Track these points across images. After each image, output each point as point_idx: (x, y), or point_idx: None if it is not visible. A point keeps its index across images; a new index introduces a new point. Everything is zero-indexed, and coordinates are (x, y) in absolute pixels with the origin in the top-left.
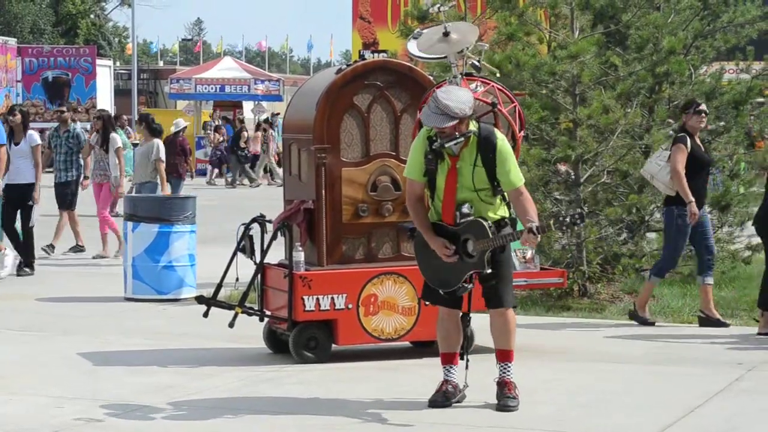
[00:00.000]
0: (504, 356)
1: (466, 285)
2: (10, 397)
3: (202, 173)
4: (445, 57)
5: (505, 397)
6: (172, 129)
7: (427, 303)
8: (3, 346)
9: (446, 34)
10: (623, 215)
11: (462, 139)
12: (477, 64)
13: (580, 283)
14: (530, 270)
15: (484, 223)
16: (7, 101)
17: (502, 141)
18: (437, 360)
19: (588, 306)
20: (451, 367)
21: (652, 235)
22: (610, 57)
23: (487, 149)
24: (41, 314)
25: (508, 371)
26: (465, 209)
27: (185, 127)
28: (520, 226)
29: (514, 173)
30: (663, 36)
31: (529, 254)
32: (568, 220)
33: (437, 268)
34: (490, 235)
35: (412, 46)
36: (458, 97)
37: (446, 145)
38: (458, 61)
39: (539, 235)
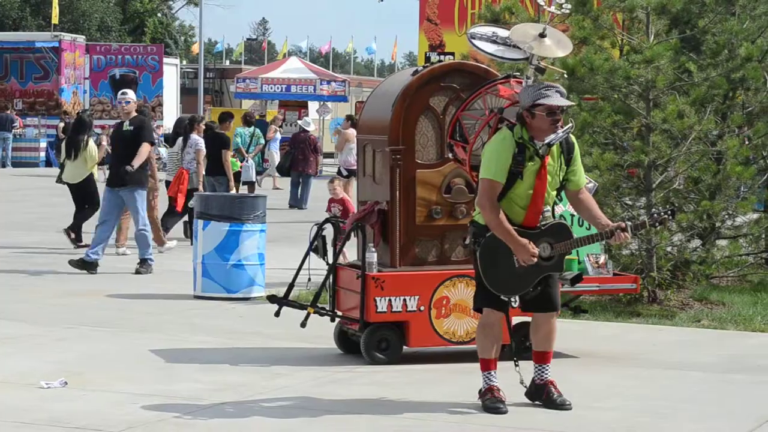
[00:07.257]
0: (548, 358)
1: (532, 289)
2: (84, 393)
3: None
4: (526, 59)
5: (560, 396)
6: (302, 126)
7: (480, 312)
8: (76, 342)
9: (543, 35)
10: (695, 222)
11: (572, 127)
12: (541, 66)
13: (650, 289)
14: (603, 275)
15: (567, 224)
16: (75, 98)
17: (574, 139)
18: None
19: (658, 312)
20: (494, 372)
21: (723, 242)
22: (684, 62)
23: (568, 148)
24: (112, 311)
25: (549, 371)
26: (546, 212)
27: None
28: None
29: (582, 172)
30: (739, 42)
31: (602, 259)
32: (663, 215)
33: (509, 273)
34: (573, 237)
35: (486, 46)
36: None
37: (553, 142)
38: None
39: (631, 233)
